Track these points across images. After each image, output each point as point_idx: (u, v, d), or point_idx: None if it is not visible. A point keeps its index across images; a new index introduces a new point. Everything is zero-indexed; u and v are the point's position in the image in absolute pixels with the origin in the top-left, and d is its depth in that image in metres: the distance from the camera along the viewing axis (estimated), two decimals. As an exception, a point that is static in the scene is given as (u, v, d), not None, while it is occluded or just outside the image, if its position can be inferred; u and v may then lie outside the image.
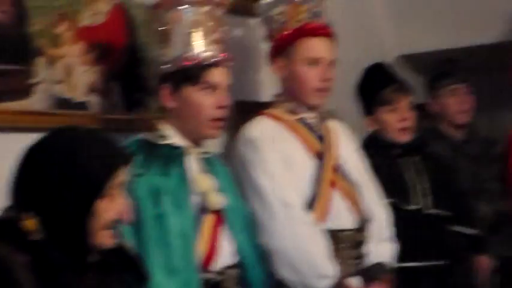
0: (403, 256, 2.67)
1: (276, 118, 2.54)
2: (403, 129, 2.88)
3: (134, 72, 2.50)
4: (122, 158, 1.64)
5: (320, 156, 2.51)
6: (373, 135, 2.96)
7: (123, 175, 1.62)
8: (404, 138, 2.89)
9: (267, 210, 2.38)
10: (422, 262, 2.78)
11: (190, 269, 2.10)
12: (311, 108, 2.57)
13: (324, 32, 2.54)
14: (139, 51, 2.49)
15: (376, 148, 2.86)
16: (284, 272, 2.37)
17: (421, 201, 2.84)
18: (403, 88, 2.93)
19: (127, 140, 2.19)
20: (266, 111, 2.59)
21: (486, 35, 3.79)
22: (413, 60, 4.10)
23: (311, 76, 2.51)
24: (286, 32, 2.53)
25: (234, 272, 2.23)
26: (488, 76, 3.89)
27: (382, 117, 2.89)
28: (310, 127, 2.55)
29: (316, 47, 2.52)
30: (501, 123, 4.31)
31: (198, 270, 2.12)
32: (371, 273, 2.50)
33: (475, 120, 3.45)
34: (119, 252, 1.69)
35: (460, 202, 3.05)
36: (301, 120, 2.55)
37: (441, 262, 2.83)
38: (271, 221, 2.37)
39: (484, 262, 3.17)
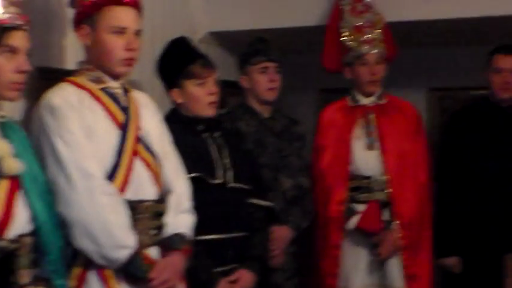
0: (208, 228, 2.75)
1: (79, 86, 2.49)
2: (211, 104, 2.91)
3: None
4: None
5: (123, 126, 2.49)
6: (176, 110, 2.97)
7: None
8: (211, 112, 2.92)
9: (66, 179, 2.35)
10: (225, 234, 2.85)
11: (-20, 237, 2.00)
12: (115, 77, 2.53)
13: (129, 1, 2.51)
14: None
15: (179, 122, 2.89)
16: (82, 242, 2.35)
17: (223, 176, 2.89)
18: (210, 63, 2.97)
19: None
20: (69, 78, 2.53)
21: (296, 18, 3.92)
22: (223, 38, 4.15)
23: (117, 45, 2.48)
24: (91, -1, 2.49)
25: (28, 240, 2.17)
26: (295, 57, 4.08)
27: (190, 90, 2.89)
28: (113, 97, 2.52)
29: (122, 16, 2.49)
30: (304, 102, 4.58)
31: (-11, 238, 2.03)
32: (169, 243, 2.51)
33: (280, 98, 3.54)
34: None
35: (258, 176, 3.13)
36: (105, 90, 2.52)
37: (242, 233, 2.90)
38: (70, 191, 2.34)
39: (282, 233, 3.28)
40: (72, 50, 2.82)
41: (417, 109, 3.63)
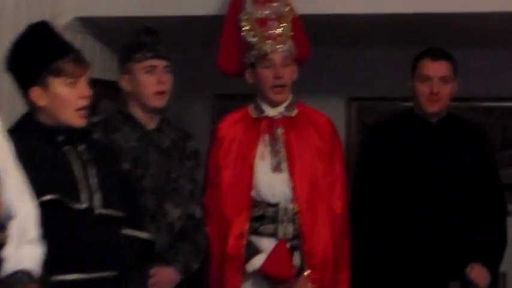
0: (68, 266, 2.69)
1: None
2: (81, 110, 2.83)
3: None
4: None
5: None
6: (31, 115, 2.86)
7: None
8: (80, 121, 2.84)
9: None
10: (90, 273, 2.76)
11: None
12: None
13: None
14: None
15: (34, 131, 2.81)
16: None
17: (89, 199, 2.81)
18: (83, 59, 2.89)
19: None
20: None
21: (187, 6, 3.93)
22: (94, 26, 4.10)
23: None
24: None
25: None
26: (185, 54, 4.01)
27: (57, 91, 2.79)
28: None
29: None
30: (196, 111, 4.53)
31: None
32: (10, 283, 2.43)
33: (168, 105, 3.46)
34: None
35: (134, 202, 3.08)
36: None
37: (112, 273, 2.83)
38: None
39: (166, 275, 3.24)
40: None
41: (333, 123, 3.65)
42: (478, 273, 3.53)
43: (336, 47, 4.62)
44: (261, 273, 3.41)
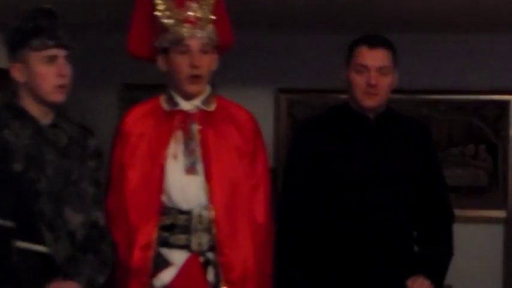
0: None
1: None
2: None
3: None
4: None
5: None
6: None
7: None
8: None
9: None
10: None
11: None
12: None
13: None
14: None
15: None
16: None
17: None
18: None
19: None
20: None
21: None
22: None
23: None
24: None
25: None
26: (87, 38, 3.86)
27: None
28: None
29: None
30: (99, 102, 4.35)
31: None
32: None
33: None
34: None
35: (28, 209, 3.00)
36: None
37: None
38: None
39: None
40: None
41: (256, 120, 3.55)
42: (420, 285, 3.48)
43: (263, 32, 4.57)
44: (170, 290, 3.32)
